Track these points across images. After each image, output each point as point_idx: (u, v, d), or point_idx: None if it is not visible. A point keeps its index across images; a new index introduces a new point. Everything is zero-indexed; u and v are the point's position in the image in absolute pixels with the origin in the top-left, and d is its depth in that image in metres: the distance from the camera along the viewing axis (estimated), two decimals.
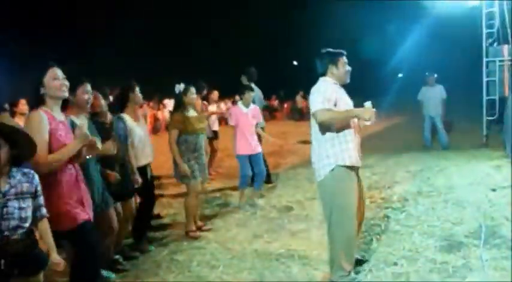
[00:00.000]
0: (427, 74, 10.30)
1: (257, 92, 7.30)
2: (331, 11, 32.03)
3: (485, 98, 9.78)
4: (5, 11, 22.55)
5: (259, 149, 6.29)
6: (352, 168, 3.64)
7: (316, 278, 3.86)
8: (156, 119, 18.55)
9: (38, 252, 2.68)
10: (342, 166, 3.57)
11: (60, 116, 3.08)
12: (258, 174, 6.31)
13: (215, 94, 8.65)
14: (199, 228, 5.35)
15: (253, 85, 7.24)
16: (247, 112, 6.22)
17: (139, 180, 4.49)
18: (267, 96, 24.25)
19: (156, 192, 6.81)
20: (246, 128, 6.16)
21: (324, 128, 3.56)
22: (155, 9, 32.37)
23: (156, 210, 6.10)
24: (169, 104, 17.62)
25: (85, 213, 3.04)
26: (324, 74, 3.78)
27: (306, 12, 36.68)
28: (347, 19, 31.69)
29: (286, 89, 26.60)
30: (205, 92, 8.13)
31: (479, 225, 4.77)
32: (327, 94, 3.52)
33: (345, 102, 3.69)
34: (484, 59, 9.68)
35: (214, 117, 8.73)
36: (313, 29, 34.67)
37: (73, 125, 3.36)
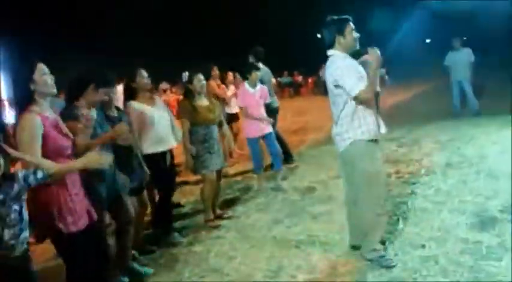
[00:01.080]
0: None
1: (266, 71, 7.01)
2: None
3: None
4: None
5: (269, 129, 6.01)
6: (371, 140, 3.55)
7: (338, 266, 3.63)
8: (168, 104, 18.37)
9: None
10: (360, 140, 3.52)
11: (50, 113, 2.90)
12: (274, 155, 6.08)
13: (230, 75, 8.33)
14: (218, 217, 5.18)
15: (261, 65, 6.95)
16: (254, 92, 5.94)
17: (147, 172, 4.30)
18: (290, 71, 24.01)
19: (179, 179, 6.77)
20: (253, 108, 5.89)
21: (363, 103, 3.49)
22: None
23: (177, 198, 6.04)
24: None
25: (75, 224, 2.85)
26: (331, 45, 3.61)
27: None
28: None
29: (309, 63, 26.03)
30: (215, 72, 7.85)
31: None
32: (352, 72, 3.44)
33: (359, 74, 3.52)
34: None
35: (234, 100, 8.45)
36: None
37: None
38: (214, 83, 7.82)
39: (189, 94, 4.93)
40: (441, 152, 6.72)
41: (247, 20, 34.11)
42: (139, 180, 4.16)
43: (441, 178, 5.45)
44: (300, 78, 23.52)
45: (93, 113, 3.41)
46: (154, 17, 30.57)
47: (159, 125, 4.56)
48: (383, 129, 3.64)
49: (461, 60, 9.42)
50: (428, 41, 40.81)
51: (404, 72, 22.48)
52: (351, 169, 3.65)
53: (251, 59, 7.02)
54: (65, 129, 2.94)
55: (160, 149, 4.58)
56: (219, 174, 5.16)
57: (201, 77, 4.90)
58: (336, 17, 3.60)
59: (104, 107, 4.02)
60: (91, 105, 3.43)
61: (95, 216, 3.03)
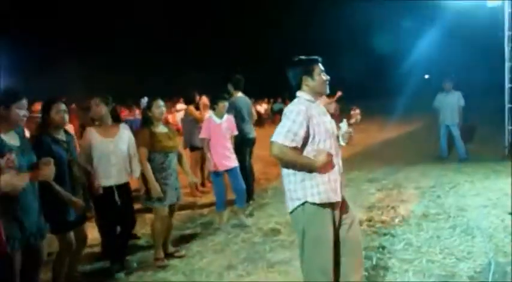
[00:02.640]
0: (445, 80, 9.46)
1: (245, 101, 6.69)
2: (351, 9, 31.19)
3: (507, 105, 8.96)
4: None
5: (234, 163, 5.65)
6: (326, 204, 3.02)
7: None
8: (167, 122, 18.08)
9: None
10: (312, 203, 3.00)
11: None
12: (237, 192, 5.68)
13: (204, 100, 7.94)
14: (171, 255, 4.78)
15: (240, 94, 6.64)
16: (220, 123, 5.59)
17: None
18: (282, 97, 23.76)
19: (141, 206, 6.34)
20: (218, 141, 5.53)
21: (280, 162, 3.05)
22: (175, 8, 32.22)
23: (137, 228, 5.64)
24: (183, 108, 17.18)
25: None
26: (299, 87, 3.19)
27: (325, 11, 35.93)
28: (366, 17, 30.90)
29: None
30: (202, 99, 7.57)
31: (489, 261, 4.07)
32: (295, 127, 2.93)
33: (323, 128, 3.04)
34: (507, 64, 8.86)
35: None
36: (332, 28, 33.86)
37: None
38: (192, 108, 7.51)
39: (147, 121, 4.61)
40: (420, 199, 6.36)
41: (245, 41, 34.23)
42: (77, 212, 3.78)
43: (414, 231, 5.07)
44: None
45: (15, 141, 3.04)
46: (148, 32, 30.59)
47: (110, 158, 4.29)
48: (338, 197, 3.08)
49: (450, 103, 9.14)
50: (427, 76, 40.86)
51: (399, 107, 22.26)
52: (298, 233, 3.14)
53: (229, 88, 6.71)
54: None
55: (108, 183, 4.28)
56: (173, 208, 4.76)
57: (160, 103, 4.58)
58: (304, 57, 3.24)
59: (52, 129, 3.71)
60: (10, 126, 3.04)
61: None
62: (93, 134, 4.31)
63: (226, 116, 5.66)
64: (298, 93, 3.18)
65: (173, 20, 31.68)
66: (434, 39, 25.50)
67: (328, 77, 3.20)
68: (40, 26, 25.14)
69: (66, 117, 3.83)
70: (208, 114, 5.88)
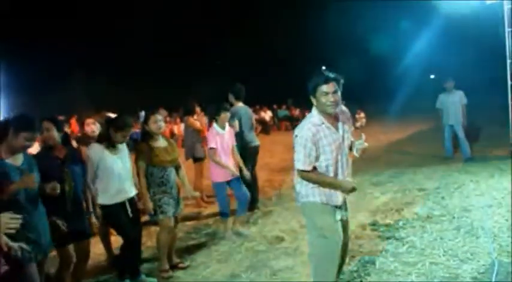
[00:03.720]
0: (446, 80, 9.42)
1: (245, 111, 6.71)
2: (355, 14, 31.23)
3: (510, 102, 8.86)
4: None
5: (237, 173, 5.66)
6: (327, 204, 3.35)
7: None
8: (172, 134, 18.15)
9: None
10: (314, 202, 3.35)
11: None
12: (239, 200, 5.67)
13: (197, 109, 7.91)
14: (175, 266, 4.80)
15: (241, 104, 6.66)
16: (223, 134, 5.61)
17: (96, 220, 3.99)
18: (287, 104, 23.81)
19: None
20: (222, 151, 5.55)
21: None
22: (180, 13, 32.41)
23: (142, 241, 5.66)
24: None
25: None
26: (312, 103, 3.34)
27: (329, 16, 35.98)
28: (367, 21, 30.93)
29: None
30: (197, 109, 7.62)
31: (492, 261, 4.04)
32: (307, 150, 3.22)
33: (329, 149, 3.28)
34: (508, 61, 8.77)
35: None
36: (338, 29, 33.85)
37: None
38: (192, 119, 7.55)
39: (145, 135, 4.63)
40: (424, 201, 6.32)
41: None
42: (78, 228, 3.82)
43: (418, 233, 5.04)
44: (297, 112, 23.23)
45: (19, 160, 3.10)
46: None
47: (116, 174, 4.28)
48: (339, 201, 3.38)
49: (453, 103, 9.10)
50: (432, 76, 40.57)
51: (405, 108, 22.20)
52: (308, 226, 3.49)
53: (230, 98, 6.73)
54: None
55: (117, 200, 4.28)
56: (176, 219, 4.79)
57: (158, 117, 4.59)
58: (317, 71, 3.26)
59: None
60: (13, 151, 3.10)
61: None
62: (99, 151, 4.25)
63: (227, 127, 5.68)
64: (313, 110, 3.33)
65: (176, 29, 31.79)
66: (436, 39, 25.42)
67: (334, 98, 3.18)
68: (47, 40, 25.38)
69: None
70: (211, 124, 5.87)
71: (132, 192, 4.45)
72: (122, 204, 4.31)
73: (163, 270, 4.65)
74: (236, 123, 6.35)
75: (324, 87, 3.17)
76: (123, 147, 4.46)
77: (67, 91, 23.29)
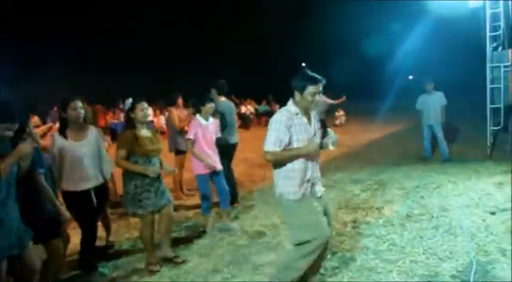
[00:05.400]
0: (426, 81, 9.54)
1: (229, 105, 6.68)
2: (338, 11, 31.44)
3: (489, 106, 9.06)
4: None
5: (219, 166, 5.64)
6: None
7: None
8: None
9: None
10: (288, 199, 3.50)
11: None
12: (221, 194, 5.68)
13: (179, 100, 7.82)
14: (170, 260, 4.74)
15: (223, 98, 6.63)
16: (207, 125, 5.58)
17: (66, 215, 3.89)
18: (267, 100, 23.82)
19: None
20: (204, 143, 5.51)
21: (274, 165, 3.54)
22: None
23: (122, 233, 5.81)
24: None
25: None
26: (292, 95, 3.54)
27: (315, 12, 36.15)
28: (353, 19, 31.18)
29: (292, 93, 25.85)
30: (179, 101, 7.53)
31: (470, 260, 4.13)
32: (280, 134, 3.39)
33: (301, 137, 3.46)
34: (488, 65, 8.96)
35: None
36: (322, 29, 34.08)
37: None
38: (175, 111, 7.45)
39: (129, 123, 4.55)
40: (404, 200, 6.40)
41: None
42: (52, 222, 3.76)
43: (398, 231, 5.12)
44: (276, 108, 23.22)
45: None
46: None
47: (81, 162, 4.29)
48: (318, 193, 3.61)
49: (433, 104, 9.22)
50: (411, 77, 41.09)
51: (383, 108, 22.43)
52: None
53: (213, 92, 6.67)
54: None
55: (81, 187, 4.30)
56: (168, 210, 4.69)
57: (144, 105, 4.52)
58: (306, 73, 3.47)
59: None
60: None
61: None
62: (61, 140, 4.27)
63: (211, 119, 5.65)
64: (289, 102, 3.54)
65: (167, 21, 31.54)
66: (417, 40, 25.79)
67: (317, 99, 3.49)
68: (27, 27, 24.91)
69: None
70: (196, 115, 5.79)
71: (99, 180, 4.46)
72: (85, 192, 4.31)
73: (151, 263, 4.61)
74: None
75: (313, 88, 3.42)
76: (90, 135, 4.45)
77: (48, 82, 22.87)
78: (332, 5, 30.96)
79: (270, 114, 22.66)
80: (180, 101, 7.63)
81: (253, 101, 23.22)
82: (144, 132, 4.56)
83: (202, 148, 5.47)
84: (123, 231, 5.94)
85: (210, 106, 5.56)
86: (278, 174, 3.52)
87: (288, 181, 3.46)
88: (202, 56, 33.11)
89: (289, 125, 3.39)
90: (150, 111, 7.71)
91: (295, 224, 3.49)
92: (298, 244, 3.41)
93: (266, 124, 22.61)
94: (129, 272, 4.59)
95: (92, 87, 21.05)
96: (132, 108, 4.52)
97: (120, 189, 4.89)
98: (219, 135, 5.80)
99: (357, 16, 30.88)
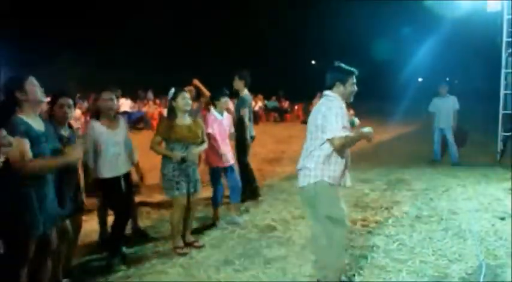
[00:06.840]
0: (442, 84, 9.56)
1: (248, 98, 6.61)
2: (349, 12, 31.36)
3: (501, 111, 9.09)
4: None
5: (232, 161, 5.72)
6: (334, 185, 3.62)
7: None
8: (162, 116, 18.10)
9: None
10: (324, 181, 3.57)
11: None
12: (232, 189, 5.77)
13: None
14: (189, 244, 4.89)
15: (246, 91, 6.62)
16: (222, 120, 5.64)
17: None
18: (277, 96, 23.82)
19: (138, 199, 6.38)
20: (220, 137, 5.57)
21: (338, 151, 3.57)
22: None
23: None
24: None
25: None
26: (330, 88, 3.71)
27: (324, 12, 36.03)
28: (364, 20, 31.07)
29: (298, 90, 25.83)
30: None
31: (480, 263, 4.18)
32: (339, 119, 3.48)
33: (347, 126, 3.62)
34: (503, 70, 8.98)
35: None
36: (331, 30, 34.03)
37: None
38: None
39: (171, 112, 4.73)
40: (413, 201, 6.46)
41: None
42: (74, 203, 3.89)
43: (408, 232, 5.17)
44: (286, 104, 23.25)
45: (40, 127, 3.08)
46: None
47: (114, 149, 4.47)
48: (348, 183, 3.73)
49: (445, 107, 9.26)
50: (420, 79, 41.00)
51: (395, 109, 22.41)
52: (312, 208, 3.69)
53: (238, 83, 6.57)
54: None
55: (112, 174, 4.46)
56: (196, 199, 4.93)
57: (186, 94, 4.71)
58: (343, 66, 3.73)
59: (56, 123, 3.75)
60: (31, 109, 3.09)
61: None
62: (99, 127, 4.44)
63: (225, 113, 5.72)
64: (330, 93, 3.69)
65: (169, 19, 31.66)
66: (433, 44, 25.68)
67: (356, 89, 3.74)
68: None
69: (71, 112, 3.90)
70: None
71: (127, 168, 4.64)
72: (116, 179, 4.47)
73: (178, 247, 4.77)
74: (246, 111, 6.34)
75: (354, 79, 3.71)
76: (122, 124, 4.63)
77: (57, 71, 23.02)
78: (346, 5, 30.87)
79: (278, 110, 22.74)
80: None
81: (262, 97, 23.23)
82: (184, 120, 4.72)
83: (216, 143, 5.54)
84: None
85: (225, 100, 5.63)
86: (317, 159, 3.57)
87: (329, 166, 3.55)
88: (208, 52, 33.21)
89: (343, 113, 3.52)
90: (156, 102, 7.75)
91: (330, 203, 3.58)
92: (330, 217, 3.53)
93: (275, 120, 22.87)
94: (142, 259, 4.66)
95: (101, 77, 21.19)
96: (174, 97, 4.69)
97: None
98: (232, 130, 5.86)
99: (371, 17, 30.81)
